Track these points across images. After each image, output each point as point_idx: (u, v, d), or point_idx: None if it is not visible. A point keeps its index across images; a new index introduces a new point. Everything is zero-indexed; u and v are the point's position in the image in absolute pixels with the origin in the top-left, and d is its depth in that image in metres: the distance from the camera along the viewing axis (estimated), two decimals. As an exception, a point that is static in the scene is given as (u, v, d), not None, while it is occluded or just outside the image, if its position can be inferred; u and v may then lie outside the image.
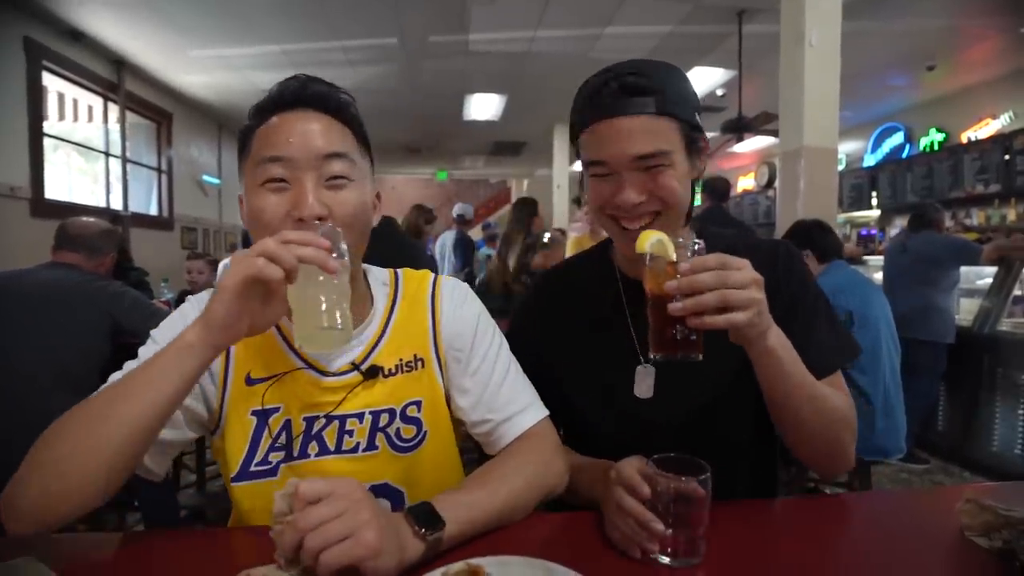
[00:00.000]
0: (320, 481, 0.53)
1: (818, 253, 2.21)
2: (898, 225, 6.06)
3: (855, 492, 1.96)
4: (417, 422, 0.76)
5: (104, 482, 0.58)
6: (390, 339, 0.77)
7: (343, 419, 0.73)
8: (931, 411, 3.12)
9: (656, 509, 0.60)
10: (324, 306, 0.60)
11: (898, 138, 6.51)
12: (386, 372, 0.75)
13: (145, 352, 0.71)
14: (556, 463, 0.76)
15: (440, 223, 5.44)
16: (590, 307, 0.91)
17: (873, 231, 6.36)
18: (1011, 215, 5.07)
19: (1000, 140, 5.09)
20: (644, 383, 0.85)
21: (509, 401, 0.78)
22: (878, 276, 3.48)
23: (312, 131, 0.69)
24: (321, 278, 0.60)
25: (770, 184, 7.96)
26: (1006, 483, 0.80)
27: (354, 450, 0.73)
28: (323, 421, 0.73)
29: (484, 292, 3.03)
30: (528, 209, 3.30)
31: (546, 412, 0.80)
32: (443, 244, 4.62)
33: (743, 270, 0.62)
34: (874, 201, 6.36)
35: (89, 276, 1.85)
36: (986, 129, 5.52)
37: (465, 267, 4.14)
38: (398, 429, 0.75)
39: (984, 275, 3.22)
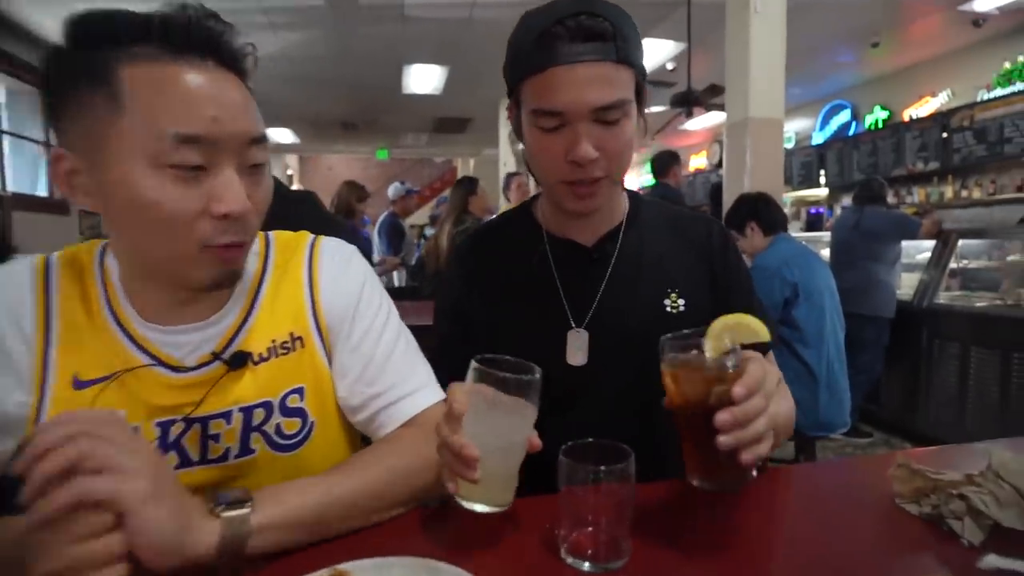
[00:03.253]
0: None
1: (764, 226, 2.25)
2: (845, 203, 6.36)
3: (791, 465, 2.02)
4: (301, 413, 0.68)
5: None
6: (260, 318, 0.68)
7: (205, 421, 0.63)
8: (874, 385, 3.28)
9: (574, 506, 0.55)
10: (500, 482, 0.58)
11: (845, 115, 6.80)
12: (256, 358, 0.66)
13: None
14: None
15: (382, 206, 5.27)
16: (517, 268, 0.87)
17: (821, 209, 6.64)
18: (948, 192, 5.40)
19: (939, 118, 5.40)
20: (577, 350, 0.82)
21: (396, 382, 0.71)
22: (825, 253, 3.61)
23: (235, 103, 0.56)
24: (501, 445, 0.56)
25: (722, 163, 8.18)
26: (936, 447, 0.80)
27: (223, 457, 0.65)
28: (181, 426, 0.62)
29: (419, 273, 2.95)
30: (464, 188, 3.22)
31: (442, 396, 0.73)
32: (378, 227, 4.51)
33: (770, 381, 0.56)
34: (822, 180, 6.64)
35: None
36: (926, 107, 5.84)
37: (393, 252, 4.02)
38: (278, 425, 0.67)
39: (923, 249, 3.41)
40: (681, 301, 0.84)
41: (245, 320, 0.67)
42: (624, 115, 0.73)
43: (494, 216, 1.24)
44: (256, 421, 0.65)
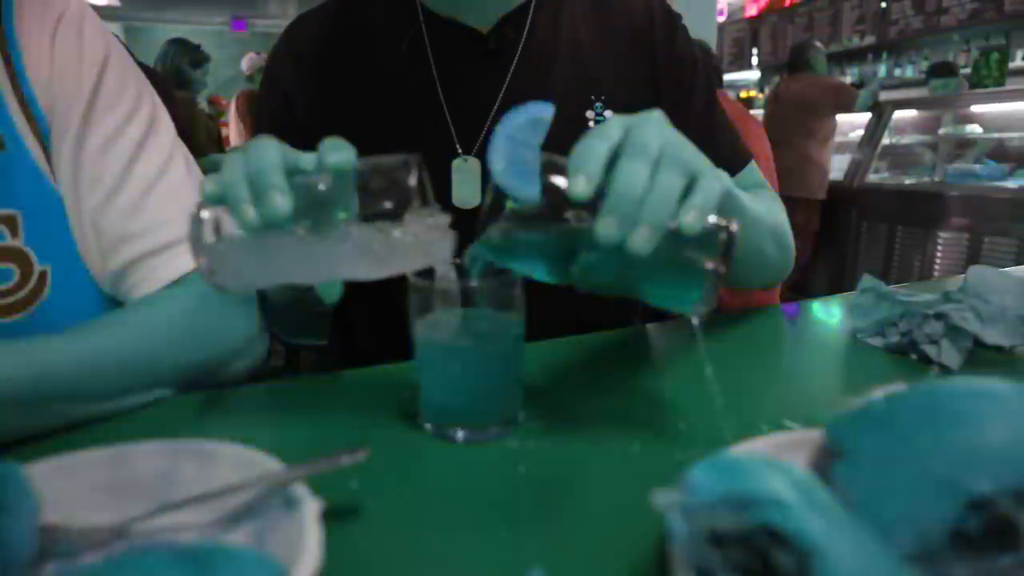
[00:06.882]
0: None
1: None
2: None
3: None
4: (15, 257, 0.50)
5: None
6: None
7: None
8: (801, 274, 3.47)
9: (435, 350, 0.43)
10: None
11: (781, -19, 6.83)
12: None
13: None
14: (233, 319, 0.55)
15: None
16: (376, 61, 0.70)
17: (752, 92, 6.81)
18: (881, 71, 5.64)
19: (879, -17, 5.52)
20: (466, 185, 0.68)
21: (164, 220, 0.54)
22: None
23: None
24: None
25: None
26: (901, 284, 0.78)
27: None
28: None
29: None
30: None
31: None
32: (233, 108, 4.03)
33: (652, 120, 0.38)
34: (755, 60, 6.75)
35: None
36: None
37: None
38: None
39: (857, 126, 3.53)
40: (609, 113, 0.70)
41: None
42: None
43: None
44: None
